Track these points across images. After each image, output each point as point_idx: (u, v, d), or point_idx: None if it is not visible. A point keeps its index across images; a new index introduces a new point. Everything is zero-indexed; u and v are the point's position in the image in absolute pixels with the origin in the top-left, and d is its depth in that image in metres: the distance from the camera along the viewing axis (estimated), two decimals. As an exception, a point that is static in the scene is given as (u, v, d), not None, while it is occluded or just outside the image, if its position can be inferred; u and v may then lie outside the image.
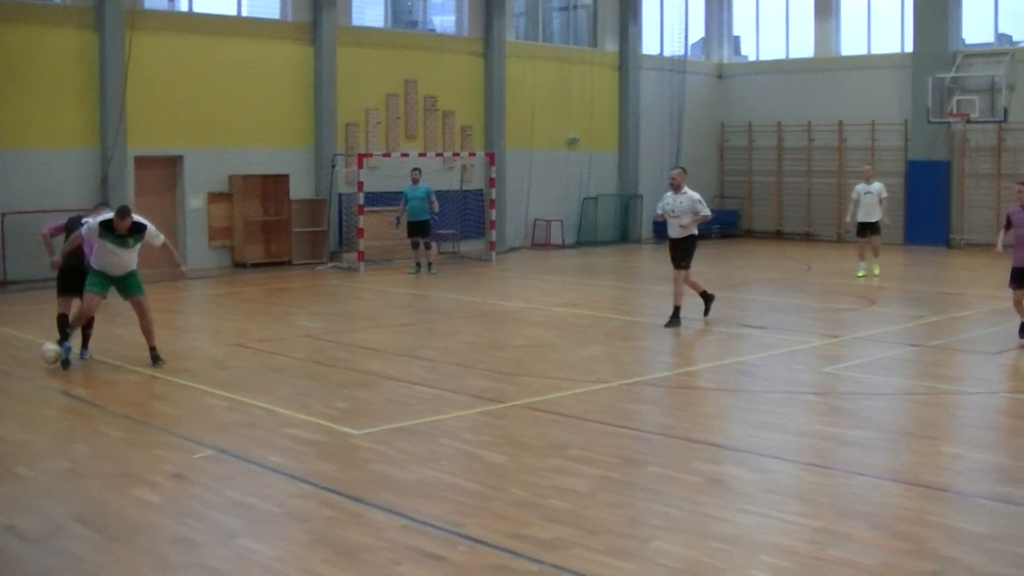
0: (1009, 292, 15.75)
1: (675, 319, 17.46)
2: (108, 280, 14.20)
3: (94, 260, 14.13)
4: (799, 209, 36.79)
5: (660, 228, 35.49)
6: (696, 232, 17.77)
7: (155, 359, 14.26)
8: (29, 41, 23.84)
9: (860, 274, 24.28)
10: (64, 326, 14.26)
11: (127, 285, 14.24)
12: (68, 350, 14.14)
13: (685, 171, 18.01)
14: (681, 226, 17.55)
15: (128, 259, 14.09)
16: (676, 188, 17.57)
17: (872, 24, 35.68)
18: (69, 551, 7.55)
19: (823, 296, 21.90)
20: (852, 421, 11.50)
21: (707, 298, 17.96)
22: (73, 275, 14.44)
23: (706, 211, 17.56)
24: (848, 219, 25.45)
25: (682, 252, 17.70)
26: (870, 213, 24.26)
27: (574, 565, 7.20)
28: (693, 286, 17.83)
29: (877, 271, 24.39)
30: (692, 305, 17.73)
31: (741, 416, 11.70)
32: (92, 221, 14.04)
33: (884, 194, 24.42)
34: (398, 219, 26.39)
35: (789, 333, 16.86)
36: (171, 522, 8.14)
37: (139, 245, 14.13)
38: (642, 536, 7.80)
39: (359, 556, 7.39)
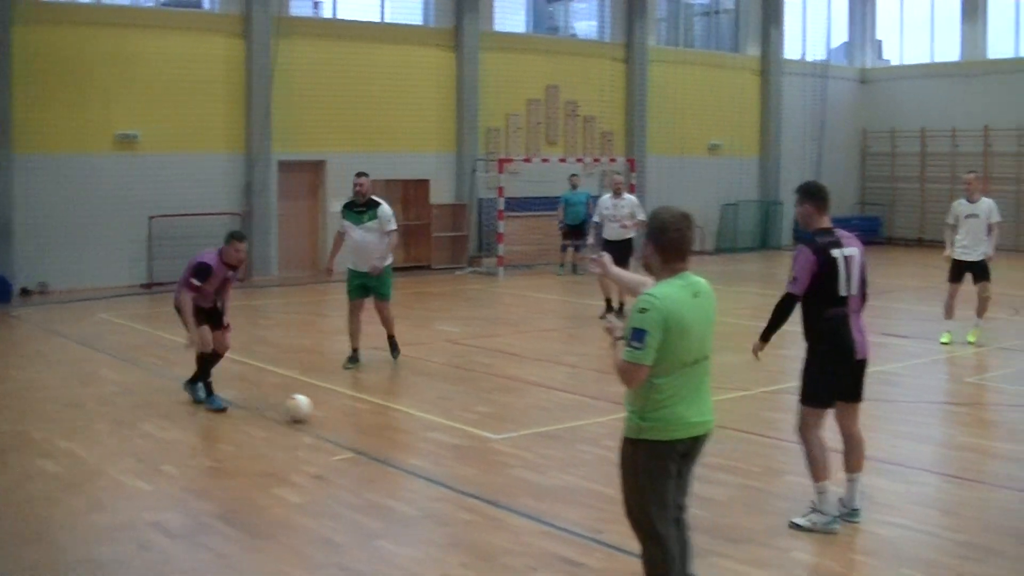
0: None
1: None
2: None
3: None
4: (943, 216, 35.64)
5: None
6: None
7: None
8: (181, 49, 24.44)
9: (944, 340, 16.36)
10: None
11: None
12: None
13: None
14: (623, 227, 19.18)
15: None
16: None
17: (1021, 26, 34.77)
18: (214, 548, 7.68)
19: (967, 305, 21.24)
20: (998, 433, 11.23)
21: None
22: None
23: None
24: (947, 251, 16.87)
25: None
26: (974, 246, 16.36)
27: (712, 574, 7.12)
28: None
29: (974, 338, 16.34)
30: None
31: (884, 426, 11.42)
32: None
33: (996, 217, 16.44)
34: (561, 222, 26.66)
35: (932, 342, 16.47)
36: (312, 522, 8.23)
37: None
38: (781, 546, 7.69)
39: (497, 560, 7.40)
